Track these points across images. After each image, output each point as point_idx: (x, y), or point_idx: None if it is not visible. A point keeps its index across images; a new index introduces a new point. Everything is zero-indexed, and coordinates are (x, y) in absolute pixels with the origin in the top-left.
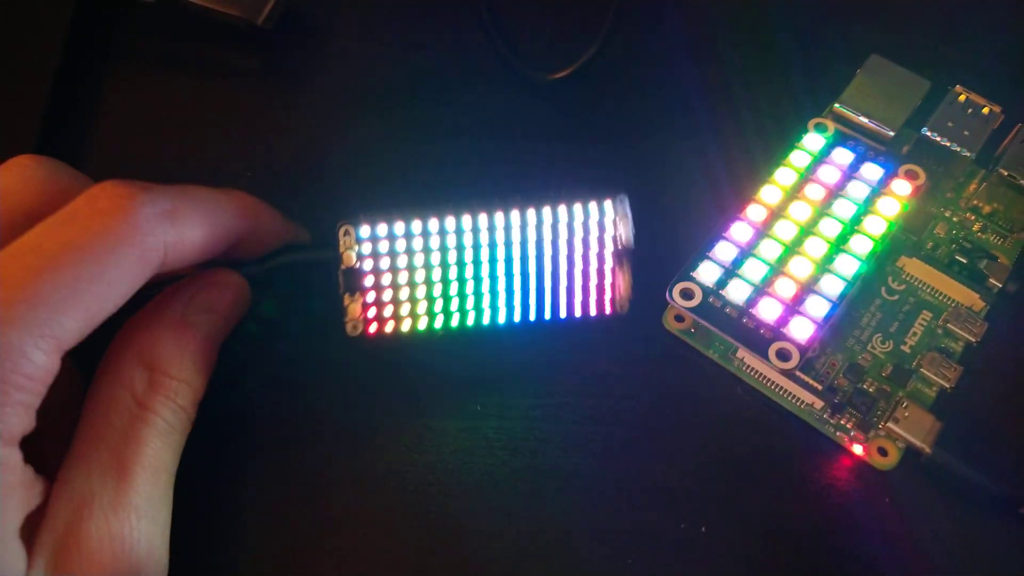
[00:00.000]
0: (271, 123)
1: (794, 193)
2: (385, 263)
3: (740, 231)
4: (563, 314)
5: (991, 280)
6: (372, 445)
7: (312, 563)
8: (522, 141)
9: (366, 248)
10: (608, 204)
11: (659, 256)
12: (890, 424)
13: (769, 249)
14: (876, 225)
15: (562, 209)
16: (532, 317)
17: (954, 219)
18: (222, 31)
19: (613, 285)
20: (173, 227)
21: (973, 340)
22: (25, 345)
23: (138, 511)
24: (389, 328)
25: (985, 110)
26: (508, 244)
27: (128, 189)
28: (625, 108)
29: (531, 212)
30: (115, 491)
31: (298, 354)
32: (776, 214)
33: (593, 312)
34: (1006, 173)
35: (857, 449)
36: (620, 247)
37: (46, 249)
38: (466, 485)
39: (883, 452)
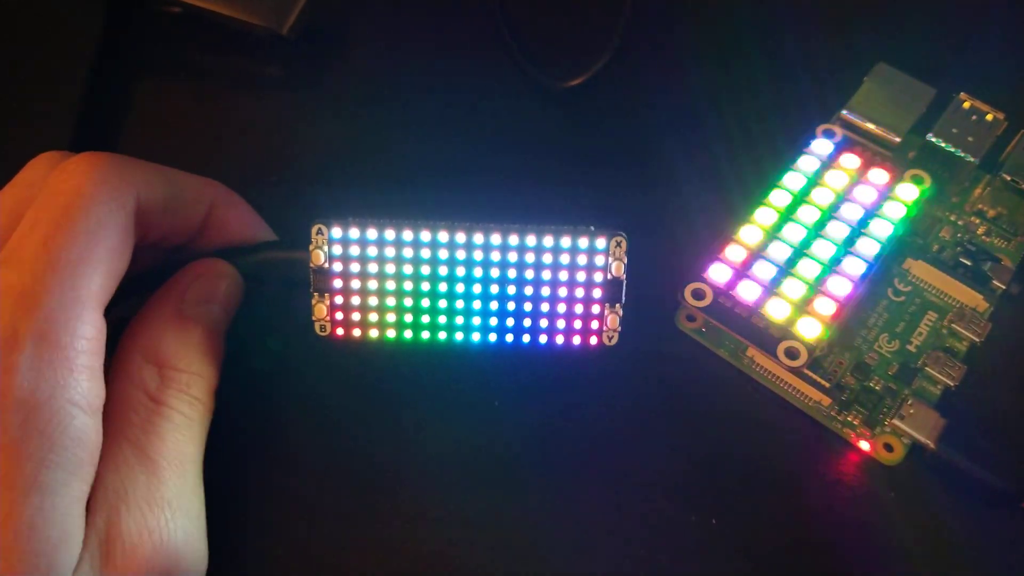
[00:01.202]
0: (293, 130)
1: (803, 197)
2: (355, 267)
3: (750, 233)
4: (542, 341)
5: (995, 282)
6: (393, 439)
7: (329, 554)
8: (536, 146)
9: (337, 250)
10: (602, 241)
11: (671, 257)
12: (896, 421)
13: (778, 251)
14: (882, 228)
15: (548, 239)
16: (508, 340)
17: (959, 223)
18: (246, 41)
19: (601, 318)
20: (140, 174)
21: (977, 340)
22: (72, 309)
23: (171, 505)
24: (357, 333)
25: (989, 117)
26: (487, 264)
27: (93, 152)
28: (636, 114)
29: (514, 237)
30: (146, 487)
31: (309, 355)
32: (785, 217)
33: (577, 342)
34: (1009, 178)
35: (864, 445)
36: (613, 285)
37: (47, 220)
38: (484, 478)
39: (889, 448)
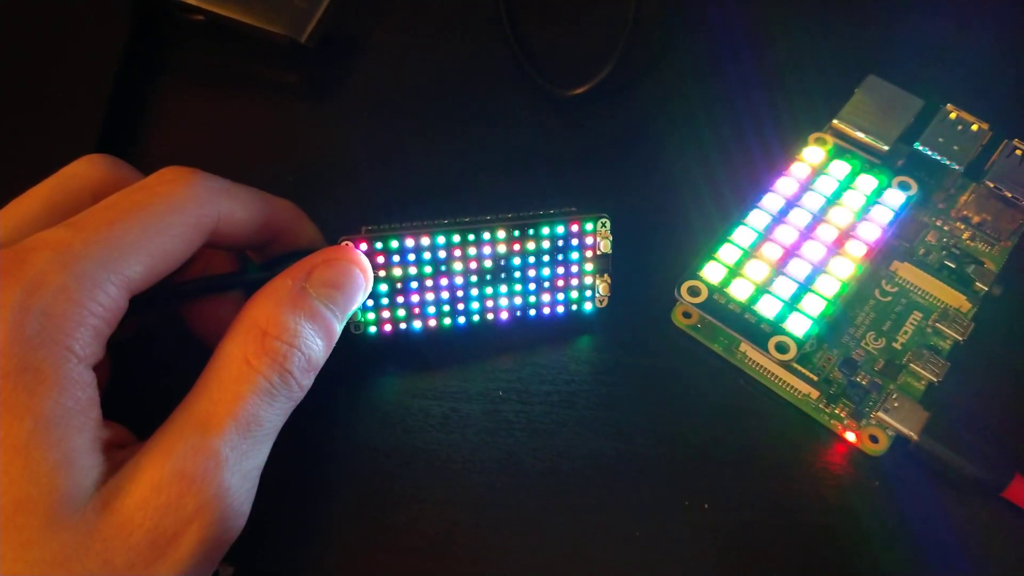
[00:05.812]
0: (310, 134)
1: (794, 201)
2: (382, 273)
3: (744, 235)
4: (546, 312)
5: (977, 284)
6: (403, 426)
7: (340, 532)
8: (541, 151)
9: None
10: (590, 225)
11: (668, 257)
12: (881, 413)
13: (770, 252)
14: (870, 232)
15: (546, 230)
16: (519, 315)
17: (945, 228)
18: (266, 48)
19: (593, 287)
20: (226, 202)
21: (960, 339)
22: (100, 278)
23: (220, 460)
24: (388, 328)
25: (974, 127)
26: (495, 256)
27: (192, 168)
28: (637, 122)
29: (517, 231)
30: (200, 437)
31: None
32: (777, 220)
33: (575, 308)
34: (993, 185)
35: (850, 436)
36: (602, 259)
37: (121, 206)
38: (488, 463)
39: (874, 439)
